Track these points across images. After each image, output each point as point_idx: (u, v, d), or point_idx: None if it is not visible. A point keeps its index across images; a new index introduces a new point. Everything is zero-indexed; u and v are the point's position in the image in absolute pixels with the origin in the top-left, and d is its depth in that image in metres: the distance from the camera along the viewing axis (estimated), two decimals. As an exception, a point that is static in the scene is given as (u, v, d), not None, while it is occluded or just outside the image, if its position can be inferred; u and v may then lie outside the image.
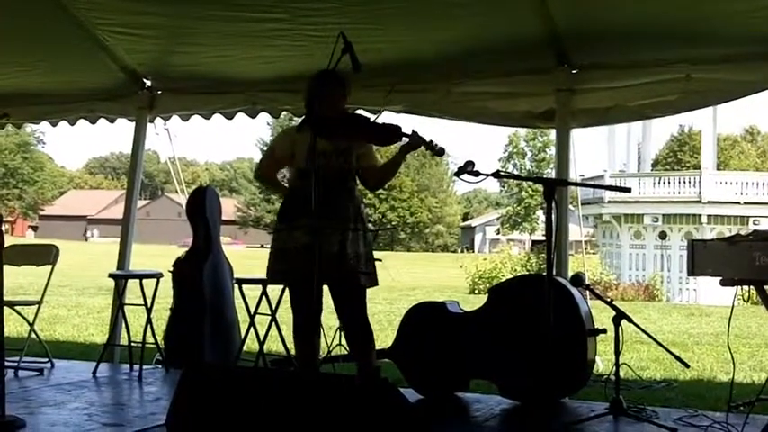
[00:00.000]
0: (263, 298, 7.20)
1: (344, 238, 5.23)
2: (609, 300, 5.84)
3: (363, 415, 3.91)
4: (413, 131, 5.15)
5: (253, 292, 7.29)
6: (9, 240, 5.93)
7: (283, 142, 5.52)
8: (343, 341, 6.63)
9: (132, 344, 7.58)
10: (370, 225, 5.54)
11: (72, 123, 8.82)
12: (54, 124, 8.99)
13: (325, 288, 5.30)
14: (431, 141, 5.14)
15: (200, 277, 7.57)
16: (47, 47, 7.60)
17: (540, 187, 4.78)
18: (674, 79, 6.51)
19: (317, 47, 6.48)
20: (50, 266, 7.71)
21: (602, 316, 6.39)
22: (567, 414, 5.92)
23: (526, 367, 5.84)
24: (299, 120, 5.26)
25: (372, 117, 5.52)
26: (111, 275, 7.71)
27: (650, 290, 28.79)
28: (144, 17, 6.99)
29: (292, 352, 7.35)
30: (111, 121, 8.64)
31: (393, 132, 5.17)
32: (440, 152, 5.19)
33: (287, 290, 5.58)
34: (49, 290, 7.81)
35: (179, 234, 52.33)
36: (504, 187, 74.38)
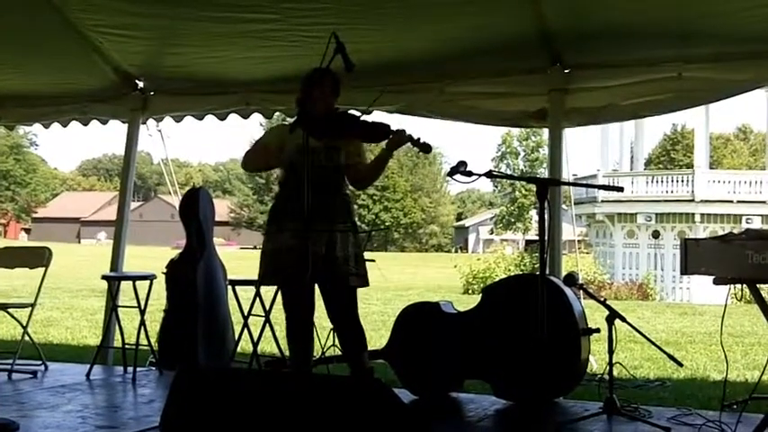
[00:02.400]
0: (257, 299, 7.20)
1: (333, 239, 5.24)
2: (602, 299, 5.85)
3: (358, 417, 3.91)
4: (399, 129, 5.18)
5: (246, 293, 7.29)
6: (2, 243, 5.91)
7: (273, 135, 5.49)
8: (337, 342, 6.64)
9: (126, 346, 7.56)
10: (363, 225, 5.53)
11: (64, 125, 8.82)
12: (46, 126, 8.97)
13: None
14: (418, 138, 5.16)
15: (194, 279, 7.55)
16: (39, 48, 7.59)
17: (533, 187, 4.78)
18: (666, 78, 6.52)
19: (309, 47, 6.47)
20: (43, 269, 7.68)
21: (595, 315, 6.39)
22: (561, 414, 5.92)
23: (520, 367, 5.85)
24: (292, 120, 5.25)
25: (361, 117, 5.49)
26: (104, 277, 7.70)
27: (643, 289, 28.80)
28: (136, 18, 6.98)
29: (286, 353, 7.36)
30: (104, 123, 8.63)
31: (381, 129, 5.20)
32: (426, 148, 5.20)
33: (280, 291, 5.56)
34: (43, 292, 7.78)
35: (172, 235, 52.29)
36: (497, 187, 74.53)
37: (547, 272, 4.92)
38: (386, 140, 5.21)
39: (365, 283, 5.45)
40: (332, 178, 5.33)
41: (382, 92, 6.13)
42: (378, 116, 7.11)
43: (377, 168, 5.49)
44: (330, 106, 5.33)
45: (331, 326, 6.08)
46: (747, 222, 30.45)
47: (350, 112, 5.51)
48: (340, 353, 6.47)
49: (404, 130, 5.18)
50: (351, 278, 5.32)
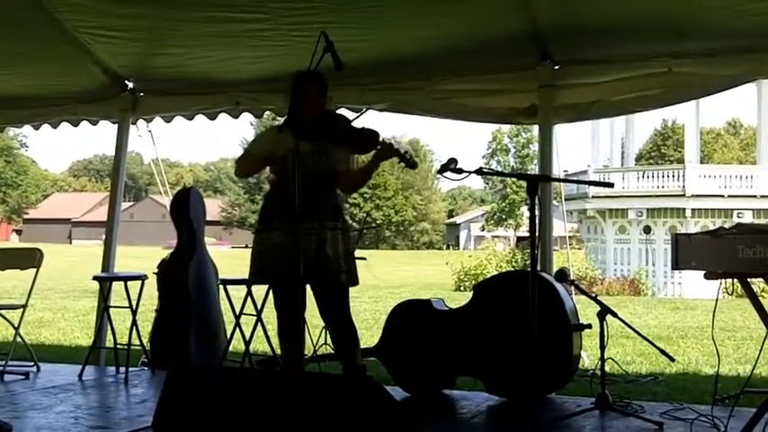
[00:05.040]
0: (249, 298, 7.20)
1: (324, 238, 5.25)
2: (594, 295, 5.86)
3: (351, 414, 3.91)
4: (387, 142, 5.24)
5: (238, 292, 7.29)
6: (-8, 244, 5.90)
7: (261, 143, 5.51)
8: (329, 340, 6.64)
9: (118, 346, 7.55)
10: (354, 224, 5.55)
11: (55, 126, 8.79)
12: (37, 128, 8.96)
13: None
14: (405, 153, 5.21)
15: (185, 278, 7.55)
16: (29, 50, 7.56)
17: (524, 183, 4.79)
18: (656, 74, 6.54)
19: (298, 46, 6.46)
20: (35, 270, 7.66)
21: (587, 311, 6.39)
22: (554, 409, 5.93)
23: (512, 363, 5.86)
24: (282, 119, 5.25)
25: (355, 115, 5.50)
26: (95, 278, 7.69)
27: (635, 284, 28.87)
28: (126, 20, 6.96)
29: (278, 352, 7.37)
30: (94, 124, 8.61)
31: (369, 140, 5.23)
32: (412, 164, 5.25)
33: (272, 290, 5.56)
34: (34, 293, 7.77)
35: (163, 236, 52.13)
36: (488, 184, 74.68)
37: (538, 268, 4.93)
38: (373, 151, 5.25)
39: (355, 282, 5.47)
40: (322, 178, 5.33)
41: (367, 109, 6.12)
42: (370, 115, 7.10)
43: (363, 177, 5.58)
44: (318, 108, 5.32)
45: (323, 324, 6.08)
46: (738, 217, 30.53)
47: (340, 113, 5.51)
48: (332, 351, 6.48)
49: (391, 144, 5.30)
50: (342, 275, 5.33)
